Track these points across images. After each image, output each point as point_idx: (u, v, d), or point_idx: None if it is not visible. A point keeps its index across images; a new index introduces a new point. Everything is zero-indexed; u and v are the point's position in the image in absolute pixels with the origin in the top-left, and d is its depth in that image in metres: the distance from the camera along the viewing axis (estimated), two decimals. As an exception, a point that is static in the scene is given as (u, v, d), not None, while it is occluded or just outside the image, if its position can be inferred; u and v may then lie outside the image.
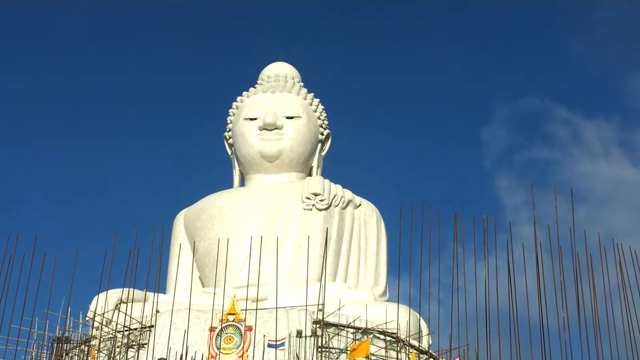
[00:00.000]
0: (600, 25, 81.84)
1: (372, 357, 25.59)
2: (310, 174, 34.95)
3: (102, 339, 26.60)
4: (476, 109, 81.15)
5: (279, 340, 24.70)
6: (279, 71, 37.03)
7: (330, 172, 35.77)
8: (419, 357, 26.61)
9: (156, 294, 27.47)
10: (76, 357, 27.43)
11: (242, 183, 35.40)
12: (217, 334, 25.00)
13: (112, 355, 25.91)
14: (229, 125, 36.36)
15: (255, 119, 34.54)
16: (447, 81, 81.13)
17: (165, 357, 24.38)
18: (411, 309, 27.05)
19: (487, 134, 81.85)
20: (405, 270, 28.96)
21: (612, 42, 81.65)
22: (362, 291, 29.91)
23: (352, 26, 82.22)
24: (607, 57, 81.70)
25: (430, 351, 27.57)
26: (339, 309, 25.97)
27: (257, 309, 25.53)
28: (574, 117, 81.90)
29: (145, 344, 25.77)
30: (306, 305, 25.56)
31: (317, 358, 24.80)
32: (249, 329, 25.08)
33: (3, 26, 76.93)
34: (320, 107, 36.35)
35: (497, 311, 26.07)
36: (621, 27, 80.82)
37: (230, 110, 36.52)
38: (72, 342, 27.67)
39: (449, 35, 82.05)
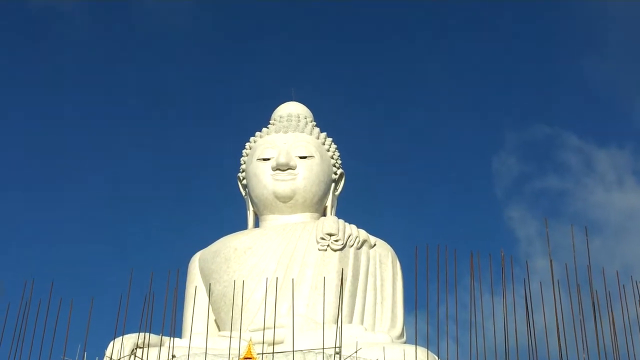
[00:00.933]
0: (612, 48, 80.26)
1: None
2: (324, 214, 34.93)
3: (118, 385, 26.49)
4: (486, 137, 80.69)
5: None
6: (292, 111, 37.21)
7: (345, 211, 35.81)
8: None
9: (172, 339, 27.39)
10: (93, 403, 27.29)
11: (256, 224, 35.40)
12: (234, 379, 24.88)
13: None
14: (243, 166, 36.48)
15: (269, 159, 34.66)
16: (457, 110, 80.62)
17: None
18: (429, 351, 26.76)
19: (498, 162, 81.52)
20: (422, 311, 28.70)
21: (624, 65, 79.60)
22: (379, 333, 29.66)
23: (365, 65, 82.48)
24: (619, 81, 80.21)
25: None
26: (356, 352, 25.75)
27: (273, 352, 25.42)
28: (586, 145, 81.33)
29: (162, 389, 25.64)
30: (323, 348, 25.38)
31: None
32: (266, 373, 24.96)
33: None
34: (334, 146, 36.44)
35: (516, 349, 25.83)
36: (634, 50, 78.65)
37: (244, 151, 36.67)
38: (88, 388, 27.52)
39: (457, 69, 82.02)
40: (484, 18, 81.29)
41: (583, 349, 25.43)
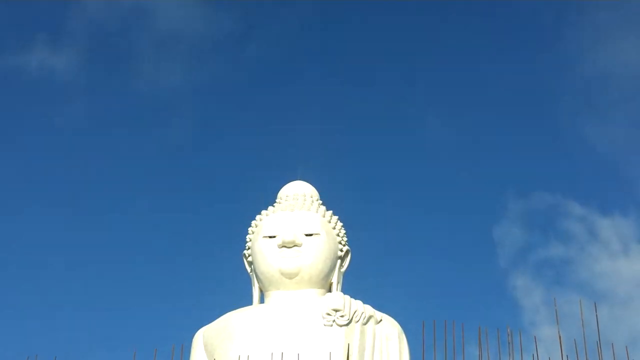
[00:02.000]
0: (614, 112, 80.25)
1: None
2: (330, 290, 34.79)
3: None
4: (488, 207, 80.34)
5: None
6: (298, 190, 37.53)
7: (350, 288, 35.64)
8: None
9: (176, 415, 26.95)
10: None
11: (261, 300, 35.24)
12: None
13: None
14: (248, 244, 36.55)
15: (275, 236, 34.75)
16: (456, 181, 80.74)
17: None
18: None
19: (500, 232, 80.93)
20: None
21: (622, 126, 79.30)
22: (386, 410, 29.18)
23: (364, 143, 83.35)
24: (619, 144, 79.38)
25: None
26: None
27: None
28: (589, 213, 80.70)
29: None
30: None
31: None
32: None
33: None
34: (339, 224, 36.61)
35: None
36: (634, 112, 78.86)
37: (250, 229, 36.82)
38: None
39: (457, 139, 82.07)
40: (484, 79, 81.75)
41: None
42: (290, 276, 33.99)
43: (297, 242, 34.40)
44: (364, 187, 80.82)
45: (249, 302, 35.31)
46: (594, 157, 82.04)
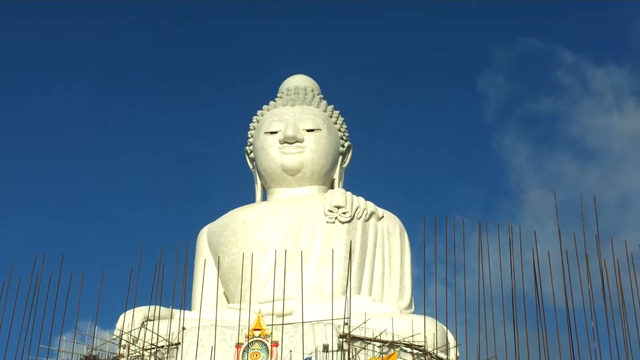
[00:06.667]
0: None
1: (400, 371, 25.50)
2: (332, 187, 34.88)
3: (129, 356, 26.71)
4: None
5: (306, 358, 24.68)
6: (299, 84, 37.02)
7: (352, 184, 35.80)
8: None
9: (182, 311, 27.56)
10: (104, 375, 27.57)
11: (264, 197, 35.42)
12: (244, 350, 25.07)
13: (139, 373, 26.02)
14: (250, 140, 36.38)
15: (276, 132, 34.52)
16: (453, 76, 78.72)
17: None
18: (438, 321, 26.89)
19: (484, 82, 78.35)
20: (431, 282, 28.87)
21: None
22: (388, 304, 29.79)
23: (366, 37, 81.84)
24: None
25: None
26: (364, 323, 25.89)
27: (282, 324, 25.56)
28: (581, 61, 74.68)
29: (173, 361, 25.88)
30: (332, 319, 25.53)
31: (344, 372, 24.76)
32: (275, 344, 25.12)
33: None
34: (341, 119, 36.28)
35: (525, 322, 25.94)
36: None
37: (251, 125, 36.55)
38: (99, 360, 27.82)
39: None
40: None
41: (591, 317, 25.55)
42: (292, 172, 34.01)
43: (298, 137, 34.19)
44: (366, 81, 79.93)
45: (252, 199, 35.54)
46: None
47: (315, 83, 37.87)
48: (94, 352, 27.58)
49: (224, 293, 32.10)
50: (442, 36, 79.38)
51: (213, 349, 25.00)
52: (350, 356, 25.24)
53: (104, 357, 27.75)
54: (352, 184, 35.64)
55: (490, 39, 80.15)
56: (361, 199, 32.69)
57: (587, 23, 78.34)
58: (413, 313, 30.04)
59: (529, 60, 76.52)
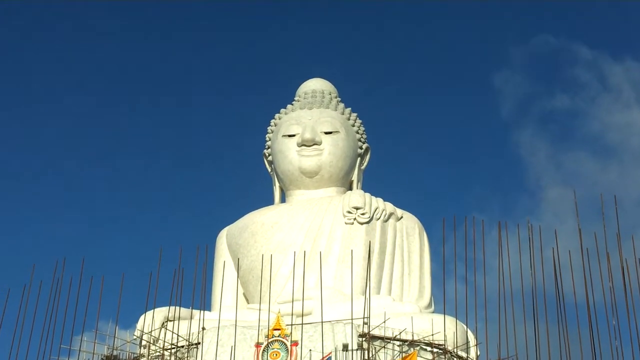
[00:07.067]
0: None
1: (420, 369, 25.42)
2: (350, 188, 34.94)
3: (149, 357, 26.81)
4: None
5: (326, 357, 24.66)
6: (316, 87, 37.15)
7: (371, 185, 35.81)
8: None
9: (202, 312, 27.67)
10: (125, 375, 27.69)
11: (282, 199, 35.52)
12: (264, 350, 25.11)
13: (160, 373, 26.11)
14: (268, 143, 36.54)
15: (294, 135, 34.65)
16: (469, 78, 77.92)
17: (212, 374, 24.49)
18: (458, 320, 26.80)
19: (500, 80, 77.45)
20: (451, 282, 28.73)
21: None
22: (407, 303, 29.76)
23: (381, 37, 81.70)
24: None
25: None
26: (384, 322, 25.85)
27: (302, 324, 25.59)
28: (598, 57, 73.80)
29: (193, 361, 25.95)
30: (352, 319, 25.52)
31: (364, 371, 24.71)
32: (295, 343, 25.16)
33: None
34: (358, 121, 36.36)
35: (545, 320, 25.78)
36: None
37: (269, 128, 36.72)
38: (120, 361, 27.96)
39: None
40: None
41: (613, 315, 25.37)
42: (311, 175, 34.10)
43: (316, 140, 34.30)
44: (382, 84, 79.91)
45: (270, 202, 35.61)
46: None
47: (333, 86, 37.97)
48: (114, 352, 27.71)
49: (244, 294, 32.17)
50: (458, 35, 79.38)
51: (233, 349, 25.06)
52: (370, 355, 25.20)
53: (124, 357, 27.87)
54: (371, 185, 35.75)
55: (506, 36, 79.91)
56: (380, 199, 32.70)
57: (603, 18, 77.65)
58: (433, 312, 29.99)
59: (545, 57, 76.10)
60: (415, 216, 33.37)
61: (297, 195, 34.39)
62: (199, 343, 26.18)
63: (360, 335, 25.46)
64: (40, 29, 79.75)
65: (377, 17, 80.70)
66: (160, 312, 28.60)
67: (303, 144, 34.25)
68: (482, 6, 78.32)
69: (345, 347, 24.90)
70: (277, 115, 36.56)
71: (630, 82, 73.56)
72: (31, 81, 78.91)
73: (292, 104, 36.55)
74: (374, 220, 31.93)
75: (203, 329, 26.56)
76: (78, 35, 79.29)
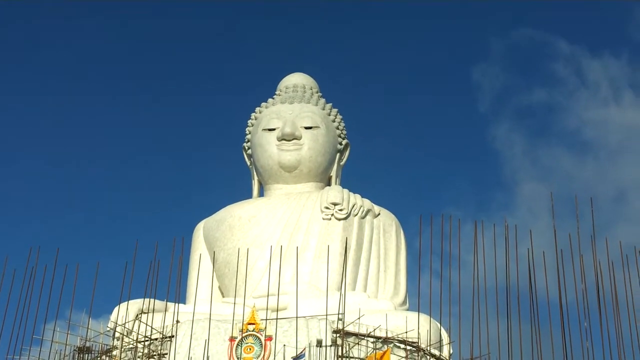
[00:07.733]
0: None
1: (393, 367, 25.47)
2: (329, 184, 34.93)
3: (123, 349, 26.70)
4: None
5: (300, 353, 24.68)
6: (297, 82, 37.11)
7: (349, 181, 35.82)
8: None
9: (176, 304, 27.58)
10: (97, 367, 27.56)
11: (261, 193, 35.46)
12: (238, 344, 25.06)
13: (133, 365, 26.01)
14: (248, 136, 36.45)
15: (274, 129, 34.58)
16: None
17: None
18: (432, 318, 26.90)
19: (479, 73, 77.10)
20: (425, 277, 28.81)
21: None
22: (382, 300, 29.82)
23: (359, 29, 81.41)
24: None
25: (451, 360, 27.45)
26: (359, 318, 25.88)
27: (277, 319, 25.57)
28: (577, 52, 73.61)
29: (166, 354, 25.86)
30: (326, 315, 25.52)
31: (337, 367, 24.73)
32: (269, 338, 25.12)
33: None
34: (339, 117, 36.35)
35: (518, 320, 25.92)
36: None
37: (249, 121, 36.62)
38: (93, 352, 27.77)
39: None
40: None
41: (585, 317, 25.58)
42: (290, 169, 34.06)
43: (296, 134, 34.25)
44: (364, 81, 79.72)
45: (249, 195, 35.55)
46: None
47: (314, 81, 37.95)
48: (87, 344, 27.55)
49: (219, 287, 32.10)
50: (437, 27, 79.09)
51: (207, 343, 24.95)
52: (344, 351, 25.22)
53: (97, 349, 27.73)
54: (349, 181, 35.76)
55: (485, 29, 79.63)
56: (358, 196, 32.73)
57: (583, 13, 77.72)
58: (407, 310, 30.07)
59: (524, 51, 75.99)
60: (393, 213, 33.46)
61: (275, 190, 34.33)
62: (173, 336, 26.08)
63: (335, 332, 25.46)
64: (40, 28, 79.05)
65: (356, 8, 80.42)
66: (135, 304, 28.45)
67: (283, 138, 34.18)
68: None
69: (319, 343, 24.88)
70: (257, 109, 36.46)
71: (608, 79, 74.01)
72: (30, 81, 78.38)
73: (273, 98, 36.47)
74: (351, 217, 31.96)
75: (177, 321, 26.45)
76: (67, 34, 78.74)
